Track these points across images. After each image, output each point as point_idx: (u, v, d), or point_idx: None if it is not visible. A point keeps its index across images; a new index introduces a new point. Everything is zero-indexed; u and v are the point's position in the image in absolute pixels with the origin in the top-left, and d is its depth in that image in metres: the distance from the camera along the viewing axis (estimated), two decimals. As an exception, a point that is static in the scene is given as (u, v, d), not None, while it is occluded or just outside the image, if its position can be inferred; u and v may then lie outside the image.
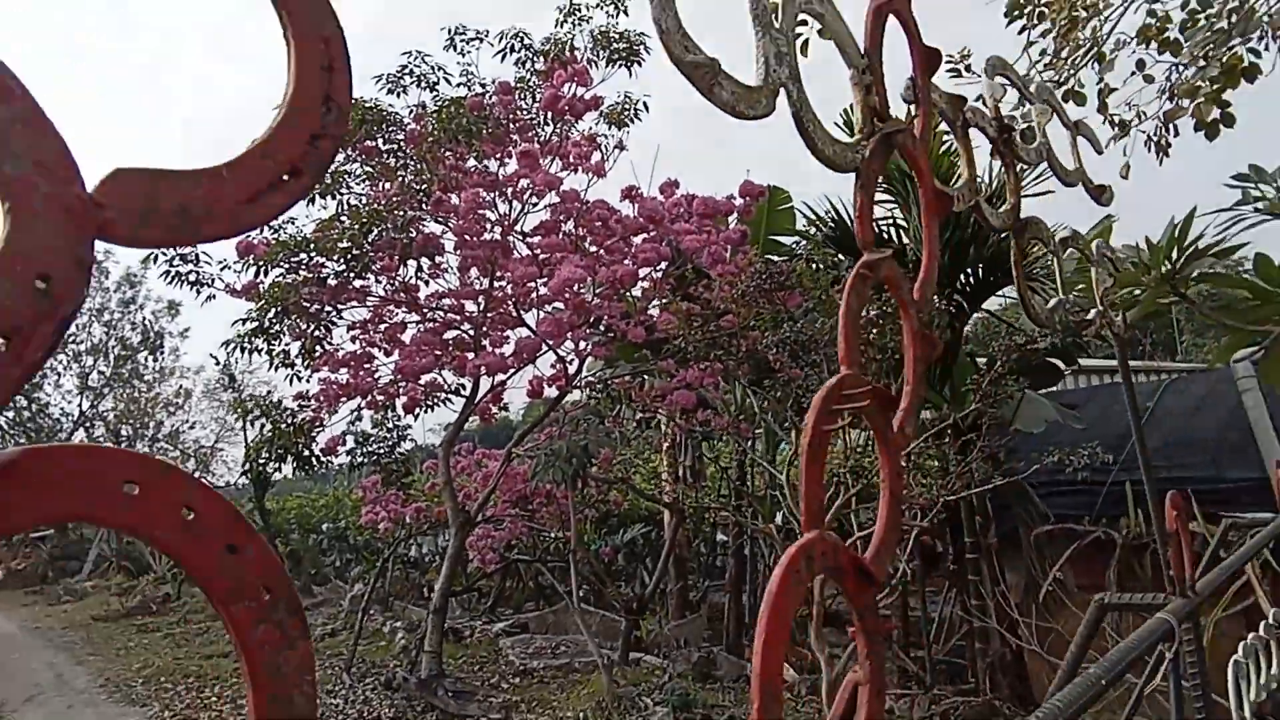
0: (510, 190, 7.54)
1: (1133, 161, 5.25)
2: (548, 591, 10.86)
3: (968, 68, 4.43)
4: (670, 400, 6.74)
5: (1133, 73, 4.64)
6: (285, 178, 0.40)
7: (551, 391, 7.74)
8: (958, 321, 6.82)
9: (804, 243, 7.66)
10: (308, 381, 8.01)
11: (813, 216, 7.30)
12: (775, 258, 7.46)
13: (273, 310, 7.32)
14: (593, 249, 7.38)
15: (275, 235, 7.22)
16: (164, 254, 7.15)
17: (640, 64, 8.08)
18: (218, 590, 0.36)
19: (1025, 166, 1.79)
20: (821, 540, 0.64)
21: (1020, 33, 4.66)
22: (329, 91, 0.40)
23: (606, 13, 7.95)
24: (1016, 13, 4.85)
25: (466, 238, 7.05)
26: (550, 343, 6.88)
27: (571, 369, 7.42)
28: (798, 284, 5.03)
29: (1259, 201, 3.72)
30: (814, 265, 5.40)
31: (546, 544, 10.34)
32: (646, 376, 7.95)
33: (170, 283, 7.27)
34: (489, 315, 7.75)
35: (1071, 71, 4.61)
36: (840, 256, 6.69)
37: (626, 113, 8.21)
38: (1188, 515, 1.59)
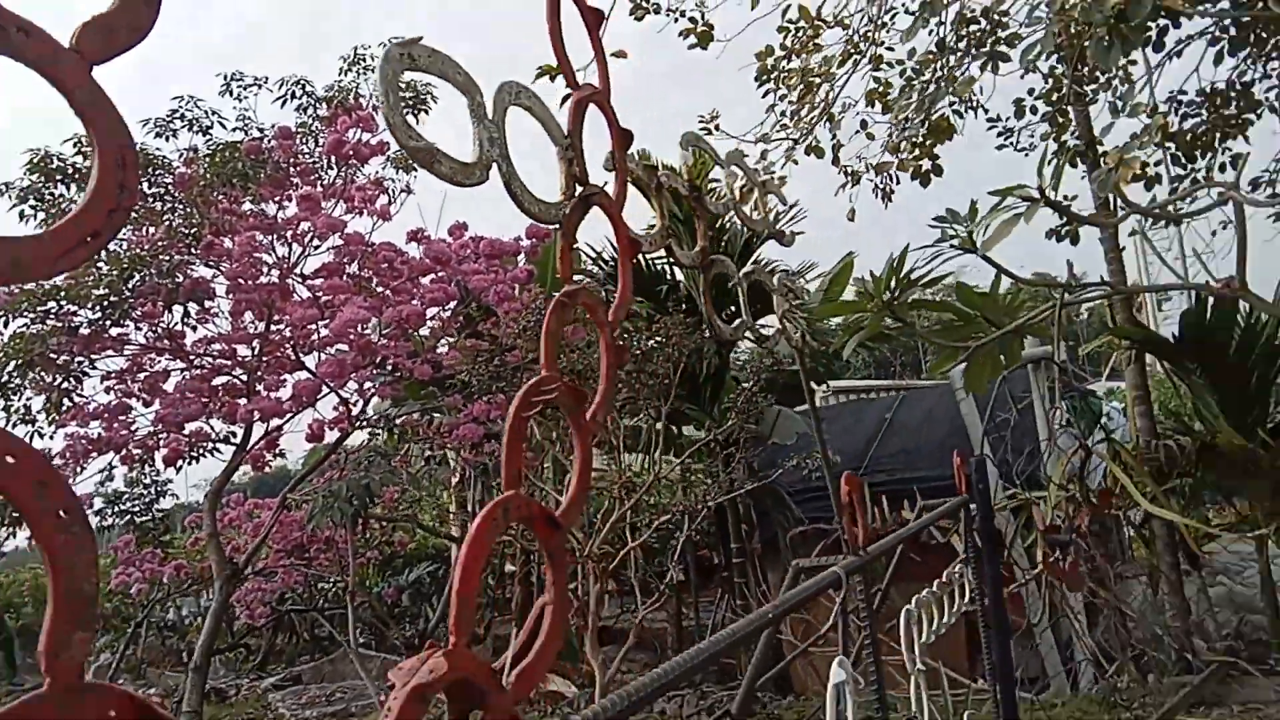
0: (290, 233, 7.34)
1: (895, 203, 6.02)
2: (325, 642, 10.43)
3: (716, 126, 5.00)
4: (457, 435, 6.81)
5: (857, 131, 5.38)
6: (89, 239, 0.58)
7: (334, 435, 7.55)
8: (725, 349, 7.46)
9: (587, 280, 8.07)
10: (51, 439, 7.32)
11: (594, 256, 7.73)
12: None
13: (12, 364, 6.67)
14: (379, 290, 7.33)
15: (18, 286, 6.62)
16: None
17: (427, 111, 8.24)
18: (32, 512, 0.54)
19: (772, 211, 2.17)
20: (517, 497, 0.87)
21: (764, 95, 5.28)
22: (122, 180, 0.59)
23: (392, 61, 8.01)
24: (765, 78, 5.50)
25: (240, 281, 6.78)
26: (332, 384, 6.75)
27: (356, 410, 7.28)
28: (580, 318, 5.37)
29: (954, 239, 4.49)
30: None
31: (324, 592, 9.98)
32: (435, 414, 7.96)
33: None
34: (264, 359, 7.44)
35: (808, 129, 5.28)
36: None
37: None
38: (861, 492, 1.99)
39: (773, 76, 5.58)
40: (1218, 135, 5.14)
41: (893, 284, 4.75)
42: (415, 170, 8.48)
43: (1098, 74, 5.05)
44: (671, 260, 7.70)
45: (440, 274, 7.36)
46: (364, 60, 8.08)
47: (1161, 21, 4.90)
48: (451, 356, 6.96)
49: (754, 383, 5.33)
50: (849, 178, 5.79)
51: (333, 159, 7.64)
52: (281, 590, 9.01)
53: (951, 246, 4.11)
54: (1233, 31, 4.57)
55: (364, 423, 7.75)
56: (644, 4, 5.40)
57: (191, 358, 7.38)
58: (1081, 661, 6.38)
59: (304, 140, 7.77)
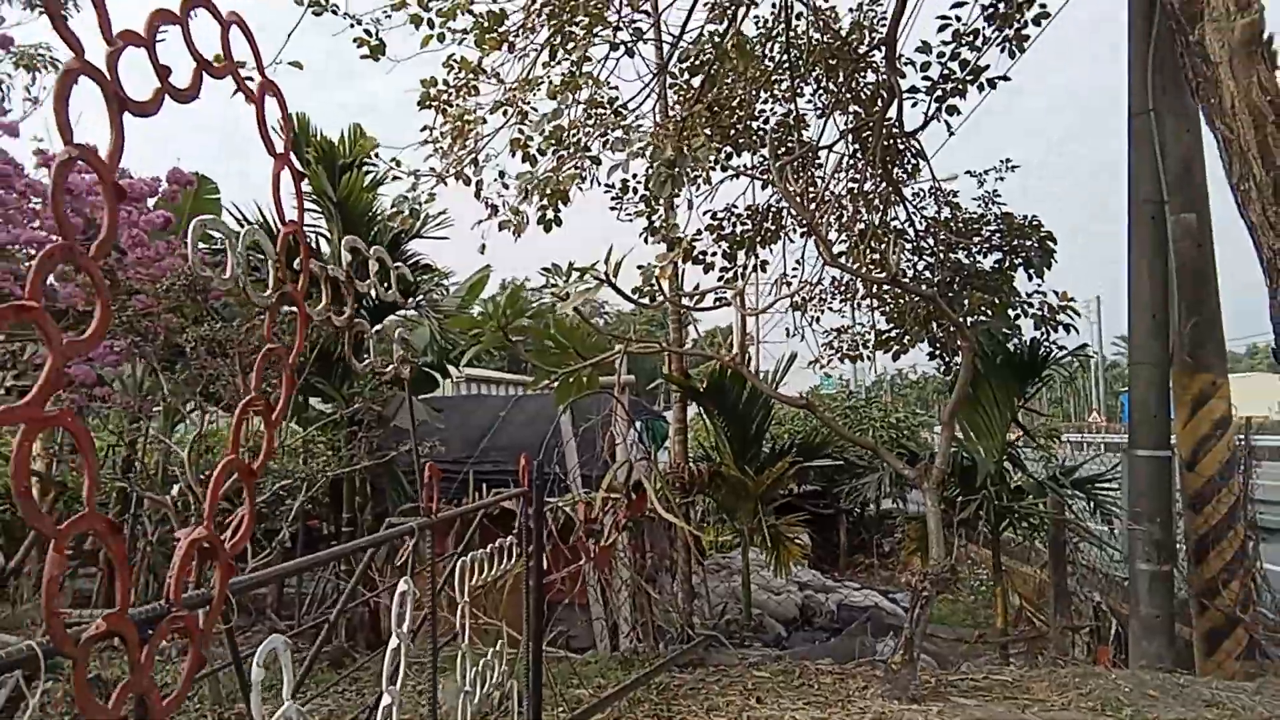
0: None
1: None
2: None
3: (398, 162, 5.71)
4: (74, 372, 6.58)
5: (495, 179, 6.36)
6: None
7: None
8: (360, 334, 8.06)
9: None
10: None
11: (239, 216, 7.89)
12: (203, 251, 7.81)
13: None
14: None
15: None
16: None
17: (78, 9, 7.72)
18: None
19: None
20: (236, 459, 1.67)
21: (423, 129, 6.07)
22: None
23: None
24: (427, 104, 6.28)
25: None
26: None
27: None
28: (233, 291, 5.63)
29: (555, 287, 5.70)
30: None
31: None
32: (30, 344, 7.47)
33: None
34: None
35: (459, 164, 6.15)
36: (263, 256, 7.38)
37: (41, 58, 7.75)
38: (436, 476, 2.95)
39: (434, 105, 6.38)
40: (756, 241, 7.02)
41: (507, 311, 5.86)
42: (41, 71, 7.97)
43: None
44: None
45: (67, 204, 7.03)
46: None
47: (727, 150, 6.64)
48: (70, 291, 6.71)
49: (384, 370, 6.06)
50: (489, 209, 6.74)
51: (-60, 45, 6.91)
52: None
53: (551, 294, 5.30)
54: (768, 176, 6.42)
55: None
56: (322, 4, 5.93)
57: None
58: (619, 631, 8.02)
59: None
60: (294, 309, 2.12)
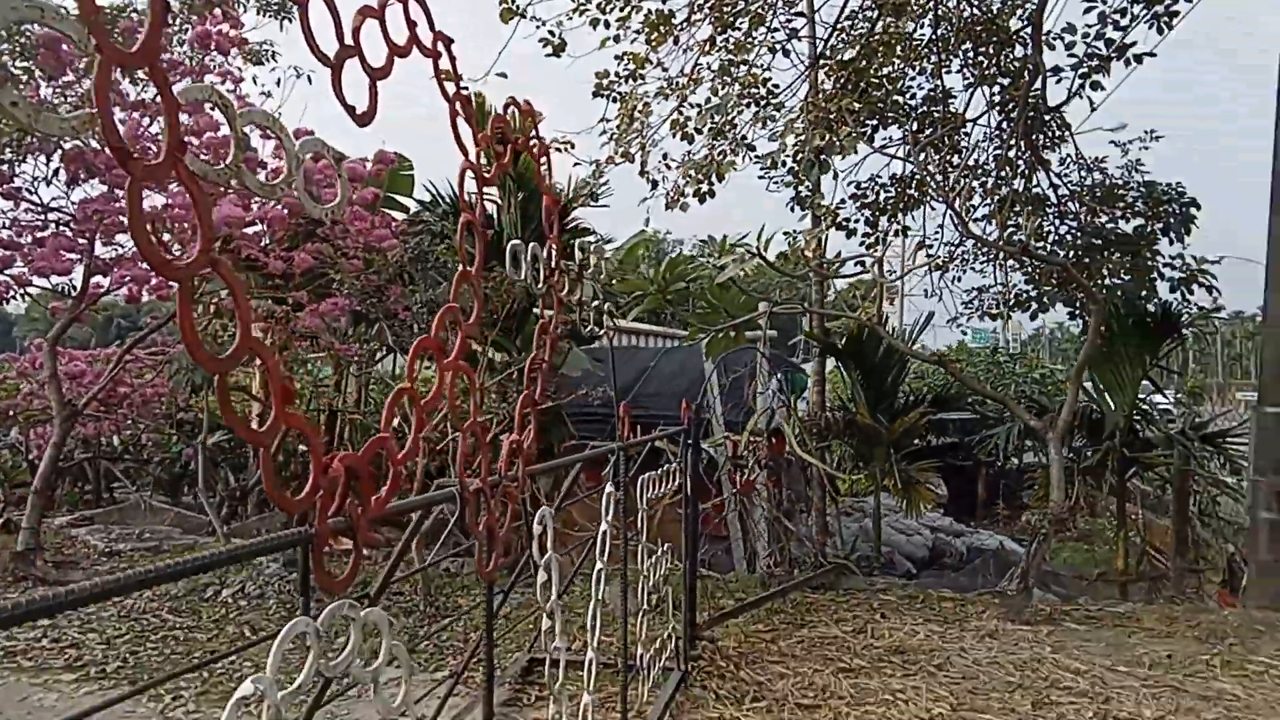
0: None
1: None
2: (104, 493, 11.28)
3: (571, 145, 6.65)
4: (307, 322, 7.99)
5: (661, 159, 7.19)
6: None
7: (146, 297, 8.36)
8: (531, 290, 9.16)
9: (424, 211, 9.36)
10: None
11: (433, 192, 9.12)
12: (401, 222, 9.09)
13: None
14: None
15: None
16: None
17: (290, 20, 9.12)
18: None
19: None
20: (410, 389, 2.60)
21: (600, 120, 6.95)
22: None
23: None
24: (599, 94, 7.15)
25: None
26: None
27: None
28: (440, 259, 6.80)
29: (712, 256, 6.47)
30: (446, 242, 7.17)
31: (122, 444, 10.81)
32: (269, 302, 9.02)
33: None
34: (105, 223, 8.11)
35: (627, 148, 7.01)
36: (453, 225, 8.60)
37: (265, 52, 9.24)
38: (629, 415, 3.85)
39: (605, 94, 7.28)
40: (899, 207, 7.53)
41: (667, 275, 6.73)
42: (264, 64, 9.45)
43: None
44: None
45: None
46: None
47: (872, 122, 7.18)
48: (302, 259, 8.10)
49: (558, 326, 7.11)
50: (650, 185, 7.59)
51: (194, 46, 8.35)
52: (84, 437, 9.69)
53: (708, 262, 6.09)
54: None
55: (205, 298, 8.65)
56: (513, 9, 6.88)
57: (43, 212, 7.91)
58: (757, 558, 8.90)
59: (179, 28, 8.46)
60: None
